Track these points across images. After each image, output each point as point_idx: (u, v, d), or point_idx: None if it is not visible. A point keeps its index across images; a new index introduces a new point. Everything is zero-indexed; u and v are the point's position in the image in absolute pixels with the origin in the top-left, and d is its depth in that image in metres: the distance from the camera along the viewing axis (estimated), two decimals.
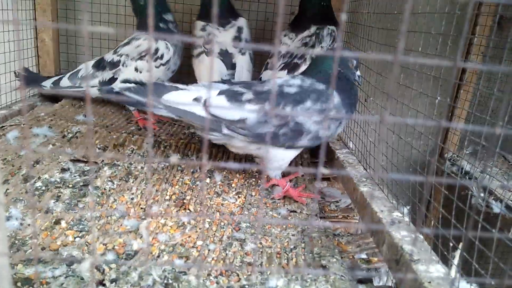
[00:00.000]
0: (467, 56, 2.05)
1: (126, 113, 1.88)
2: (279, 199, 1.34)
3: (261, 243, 1.08)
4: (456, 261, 0.88)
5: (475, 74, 2.05)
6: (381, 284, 1.26)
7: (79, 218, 1.11)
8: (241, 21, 1.90)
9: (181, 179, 1.37)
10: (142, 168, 1.42)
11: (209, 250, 1.02)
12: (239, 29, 1.87)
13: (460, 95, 2.10)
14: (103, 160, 1.42)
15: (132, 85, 1.22)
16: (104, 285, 0.85)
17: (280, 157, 1.30)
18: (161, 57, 1.69)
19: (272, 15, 2.24)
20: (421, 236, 0.95)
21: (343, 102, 1.26)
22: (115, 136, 1.61)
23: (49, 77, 1.88)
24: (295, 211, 1.28)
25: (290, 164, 1.37)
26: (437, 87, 1.31)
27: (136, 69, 1.68)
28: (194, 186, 1.35)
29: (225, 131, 1.22)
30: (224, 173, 1.45)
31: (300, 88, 1.25)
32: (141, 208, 1.20)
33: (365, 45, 1.54)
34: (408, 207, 1.12)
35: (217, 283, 0.89)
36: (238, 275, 0.93)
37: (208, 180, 1.40)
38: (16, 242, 0.99)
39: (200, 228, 1.12)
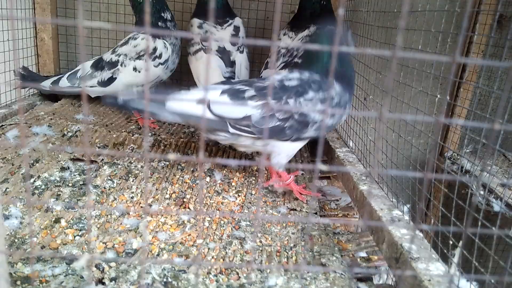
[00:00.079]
0: (467, 55, 2.05)
1: (126, 112, 1.88)
2: (279, 198, 1.34)
3: (261, 241, 1.08)
4: (456, 259, 0.88)
5: (475, 72, 2.05)
6: (381, 283, 1.26)
7: (79, 216, 1.11)
8: (238, 21, 1.90)
9: (181, 178, 1.37)
10: (142, 167, 1.42)
11: (209, 249, 1.02)
12: (236, 28, 1.88)
13: (460, 94, 2.10)
14: (103, 159, 1.42)
15: (135, 94, 1.23)
16: (103, 283, 0.85)
17: (287, 150, 1.31)
18: (160, 56, 1.69)
19: (272, 14, 2.23)
20: (421, 234, 0.95)
21: (344, 88, 1.27)
22: (115, 135, 1.61)
23: (48, 77, 1.88)
24: (295, 209, 1.28)
25: (290, 162, 1.38)
26: (437, 85, 1.31)
27: (134, 69, 1.68)
28: (194, 185, 1.35)
29: (231, 130, 1.23)
30: (224, 171, 1.45)
31: (300, 80, 1.26)
32: (141, 206, 1.20)
33: (365, 44, 1.54)
34: (408, 206, 1.12)
35: (217, 281, 0.89)
36: (237, 273, 0.93)
37: (208, 179, 1.40)
38: (16, 240, 0.99)
39: (200, 227, 1.12)
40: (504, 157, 2.07)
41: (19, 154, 1.37)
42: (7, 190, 1.19)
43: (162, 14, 1.71)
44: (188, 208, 1.22)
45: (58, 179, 1.28)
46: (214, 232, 1.10)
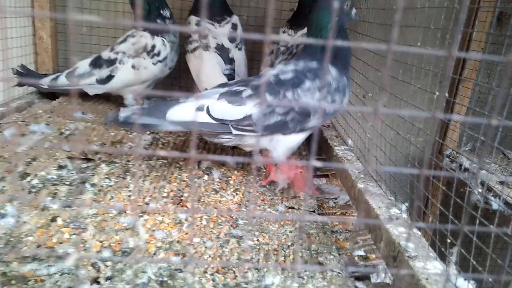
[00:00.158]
0: (467, 52, 2.04)
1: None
2: (277, 196, 1.33)
3: (258, 240, 1.07)
4: (454, 258, 0.87)
5: (475, 70, 2.04)
6: (379, 281, 1.25)
7: (75, 215, 1.10)
8: (235, 18, 1.90)
9: (179, 176, 1.37)
10: (140, 165, 1.41)
11: (206, 247, 1.02)
12: (234, 26, 1.87)
13: (460, 92, 2.09)
14: (100, 157, 1.41)
15: (135, 109, 1.22)
16: (98, 282, 0.84)
17: (291, 143, 1.31)
18: (158, 54, 1.68)
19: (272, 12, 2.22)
20: (419, 233, 0.94)
21: (340, 72, 1.27)
22: (113, 133, 1.61)
23: (46, 75, 1.87)
24: (293, 208, 1.27)
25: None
26: (436, 83, 1.30)
27: (133, 67, 1.67)
28: (192, 184, 1.34)
29: (234, 131, 1.23)
30: (222, 170, 1.45)
31: (295, 72, 1.26)
32: (139, 205, 1.19)
33: (365, 41, 1.53)
34: (407, 204, 1.11)
35: (213, 280, 0.88)
36: (234, 272, 0.92)
37: (206, 177, 1.39)
38: (12, 239, 0.98)
39: (197, 225, 1.11)
40: (503, 155, 2.06)
41: (16, 153, 1.37)
42: (4, 188, 1.18)
43: (161, 12, 1.70)
44: (186, 206, 1.21)
45: (55, 177, 1.27)
46: (211, 231, 1.09)
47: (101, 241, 1.00)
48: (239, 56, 1.84)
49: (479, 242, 0.79)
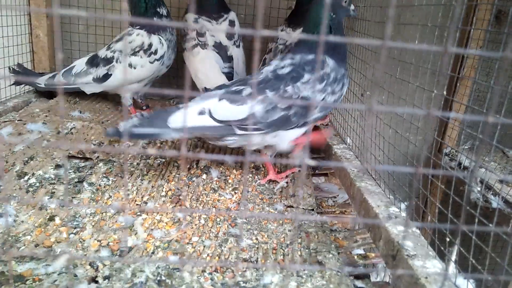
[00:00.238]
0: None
1: (122, 109, 1.87)
2: (275, 195, 1.33)
3: (257, 239, 1.07)
4: (453, 256, 0.87)
5: (473, 68, 2.03)
6: (379, 280, 1.25)
7: (73, 214, 1.10)
8: (232, 15, 1.88)
9: (177, 175, 1.36)
10: (138, 164, 1.41)
11: (204, 246, 1.01)
12: (231, 22, 1.86)
13: (458, 90, 2.08)
14: (98, 156, 1.41)
15: (136, 120, 1.18)
16: (96, 281, 0.84)
17: (296, 136, 1.32)
18: (155, 52, 1.67)
19: (269, 10, 2.22)
20: (418, 231, 0.94)
21: (338, 63, 1.28)
22: None
23: (43, 74, 1.87)
24: (292, 206, 1.27)
25: (281, 157, 1.39)
26: (434, 81, 1.30)
27: (130, 65, 1.66)
28: (190, 182, 1.34)
29: (239, 131, 1.22)
30: (221, 169, 1.44)
31: (293, 65, 1.26)
32: (137, 204, 1.19)
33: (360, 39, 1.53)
34: (406, 203, 1.11)
35: (212, 279, 0.88)
36: (233, 271, 0.92)
37: (204, 176, 1.39)
38: (9, 239, 0.98)
39: (196, 224, 1.11)
40: (503, 153, 2.06)
41: (13, 152, 1.36)
42: (1, 188, 1.18)
43: (158, 10, 1.69)
44: (184, 205, 1.21)
45: (52, 176, 1.27)
46: (210, 230, 1.09)
47: (99, 240, 1.00)
48: (237, 53, 1.83)
49: (478, 241, 0.79)
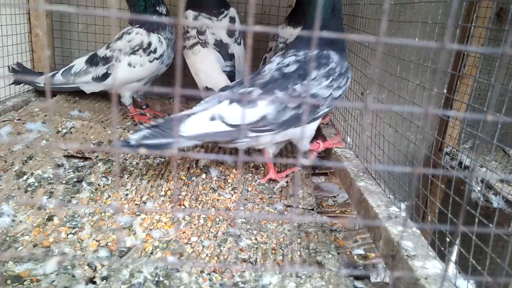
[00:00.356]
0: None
1: (122, 108, 1.87)
2: (275, 194, 1.33)
3: (256, 239, 1.06)
4: (453, 257, 0.86)
5: (474, 67, 2.02)
6: (379, 280, 1.24)
7: (72, 214, 1.09)
8: (232, 11, 1.86)
9: (176, 175, 1.36)
10: (137, 163, 1.40)
11: (203, 246, 1.01)
12: (232, 19, 1.84)
13: (459, 88, 2.08)
14: (97, 156, 1.40)
15: (145, 132, 1.16)
16: (94, 282, 0.83)
17: (306, 133, 1.33)
18: (155, 51, 1.66)
19: (269, 8, 2.21)
20: (418, 231, 0.93)
21: (341, 57, 1.28)
22: (110, 131, 1.59)
23: (42, 73, 1.86)
24: (291, 206, 1.27)
25: (275, 157, 1.41)
26: (435, 80, 1.29)
27: (129, 64, 1.65)
28: (189, 182, 1.33)
29: (251, 134, 1.21)
30: (221, 168, 1.44)
31: (298, 62, 1.25)
32: (136, 204, 1.18)
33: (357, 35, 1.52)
34: (406, 203, 1.10)
35: (210, 280, 0.88)
36: (231, 271, 0.91)
37: (204, 176, 1.38)
38: (8, 239, 0.97)
39: (195, 224, 1.10)
40: (503, 153, 2.05)
41: (12, 151, 1.36)
42: (0, 187, 1.17)
43: (157, 8, 1.68)
44: (184, 205, 1.20)
45: (51, 176, 1.26)
46: (209, 230, 1.08)
47: (98, 240, 0.99)
48: (238, 51, 1.81)
49: (478, 241, 0.78)
